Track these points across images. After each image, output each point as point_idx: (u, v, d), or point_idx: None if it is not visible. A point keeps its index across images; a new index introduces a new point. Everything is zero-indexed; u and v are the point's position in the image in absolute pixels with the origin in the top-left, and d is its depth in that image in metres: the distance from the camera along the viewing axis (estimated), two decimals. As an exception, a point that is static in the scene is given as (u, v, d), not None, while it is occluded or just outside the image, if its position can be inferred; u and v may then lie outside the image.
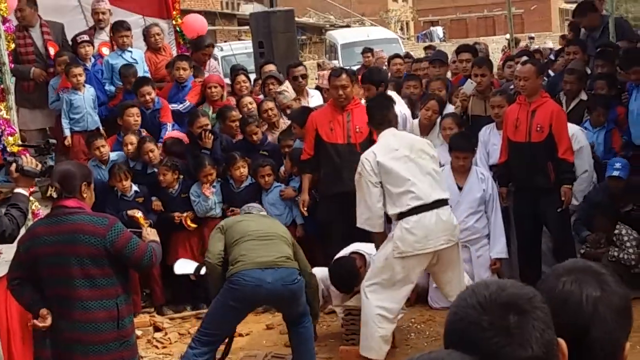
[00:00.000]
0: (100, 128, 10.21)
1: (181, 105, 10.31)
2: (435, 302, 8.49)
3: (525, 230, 8.56)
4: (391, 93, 9.50)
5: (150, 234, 5.59)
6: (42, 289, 5.22)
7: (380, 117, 7.26)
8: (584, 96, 9.60)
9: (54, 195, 5.19)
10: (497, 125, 8.93)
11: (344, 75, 8.75)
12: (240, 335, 7.98)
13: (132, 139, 9.34)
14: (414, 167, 6.93)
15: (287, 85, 10.45)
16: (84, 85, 10.19)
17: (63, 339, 5.15)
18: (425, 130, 9.27)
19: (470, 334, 1.82)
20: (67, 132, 10.20)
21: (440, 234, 6.88)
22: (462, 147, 8.51)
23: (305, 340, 6.73)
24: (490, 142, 8.99)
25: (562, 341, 1.90)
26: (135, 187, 8.94)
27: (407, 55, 15.95)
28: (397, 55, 14.04)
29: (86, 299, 5.11)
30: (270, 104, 10.09)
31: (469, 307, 1.85)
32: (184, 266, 7.59)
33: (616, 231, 8.33)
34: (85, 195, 5.28)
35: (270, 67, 11.53)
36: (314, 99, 10.73)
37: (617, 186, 8.57)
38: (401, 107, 9.09)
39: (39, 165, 5.59)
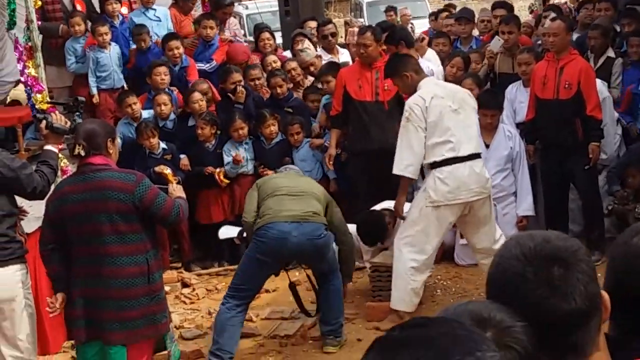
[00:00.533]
0: (125, 86, 10.23)
1: (207, 65, 10.30)
2: (462, 259, 8.51)
3: (553, 188, 8.53)
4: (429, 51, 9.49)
5: (177, 190, 5.62)
6: (71, 249, 5.26)
7: (396, 66, 7.24)
8: (611, 53, 9.49)
9: (82, 153, 5.21)
10: (523, 83, 8.88)
11: (368, 34, 8.72)
12: (267, 291, 8.04)
13: (165, 99, 9.32)
14: (455, 118, 6.93)
15: (308, 44, 10.38)
16: (109, 44, 10.19)
17: (95, 296, 5.20)
18: None
19: (514, 285, 1.82)
20: (94, 90, 10.23)
21: (473, 186, 6.91)
22: (490, 104, 8.47)
23: (331, 297, 6.73)
24: (517, 99, 8.95)
25: (605, 295, 1.89)
26: (163, 145, 8.95)
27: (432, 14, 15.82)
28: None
29: (117, 254, 5.15)
30: (294, 64, 10.06)
31: (513, 258, 1.85)
32: (228, 232, 7.63)
33: None
34: (111, 152, 5.32)
35: (312, 24, 11.39)
36: (343, 57, 10.69)
37: None
38: (429, 64, 9.07)
39: (68, 123, 5.63)
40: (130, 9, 11.06)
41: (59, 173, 6.53)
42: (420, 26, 16.63)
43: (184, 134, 9.29)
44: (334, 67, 9.43)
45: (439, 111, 6.89)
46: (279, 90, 9.46)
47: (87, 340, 5.27)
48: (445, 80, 9.23)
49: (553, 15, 9.37)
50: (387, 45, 8.96)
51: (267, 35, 10.93)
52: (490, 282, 1.90)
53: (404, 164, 6.98)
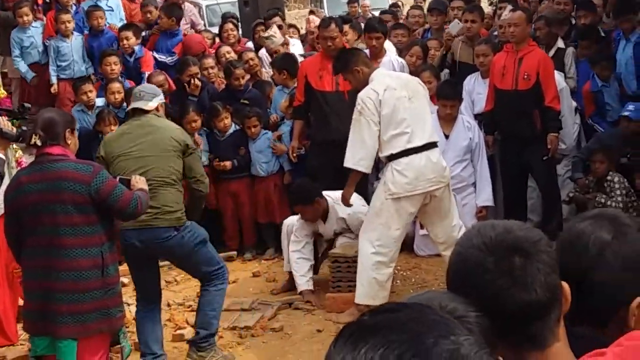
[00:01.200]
0: (92, 76, 10.20)
1: (169, 58, 10.24)
2: (421, 249, 8.54)
3: (511, 179, 8.59)
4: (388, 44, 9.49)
5: (139, 182, 5.54)
6: (26, 241, 5.19)
7: (346, 61, 7.22)
8: (561, 44, 9.53)
9: (38, 143, 5.12)
10: (481, 74, 8.91)
11: (332, 26, 8.72)
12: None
13: (118, 86, 9.27)
14: (410, 108, 6.92)
15: (274, 30, 10.35)
16: (72, 33, 10.12)
17: (47, 288, 5.12)
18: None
19: (474, 275, 1.81)
20: (54, 79, 10.17)
21: (430, 175, 6.92)
22: (449, 95, 8.49)
23: (204, 303, 6.37)
24: (475, 90, 8.98)
25: (565, 285, 1.89)
26: None
27: (394, 5, 15.85)
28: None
29: (70, 246, 5.08)
30: (251, 54, 10.04)
31: (474, 247, 1.84)
32: None
33: (609, 177, 8.32)
34: (69, 142, 5.23)
35: (277, 20, 11.39)
36: (295, 48, 10.68)
37: (627, 127, 8.53)
38: (393, 55, 9.12)
39: (14, 129, 5.52)
40: None
41: (14, 164, 6.46)
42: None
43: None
44: (288, 59, 9.43)
45: (392, 103, 6.87)
46: (240, 81, 9.41)
47: (35, 333, 5.19)
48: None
49: (509, 7, 9.37)
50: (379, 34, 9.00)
51: (230, 25, 10.91)
52: (450, 272, 1.89)
53: (356, 158, 6.93)
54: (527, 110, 8.23)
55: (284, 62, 9.42)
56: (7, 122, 5.55)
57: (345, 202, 7.27)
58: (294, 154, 8.87)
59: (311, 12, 12.15)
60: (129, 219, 5.55)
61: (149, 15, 10.63)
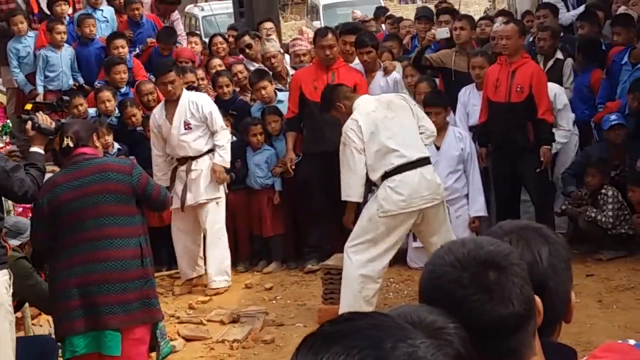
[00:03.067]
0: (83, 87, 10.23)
1: None
2: (414, 261, 8.52)
3: (504, 191, 8.60)
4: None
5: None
6: (64, 240, 5.25)
7: (329, 99, 7.34)
8: (559, 55, 9.54)
9: (71, 144, 5.31)
10: (477, 86, 8.91)
11: (330, 35, 8.77)
12: (219, 293, 8.09)
13: (108, 95, 9.31)
14: (394, 126, 6.93)
15: (274, 37, 10.29)
16: (62, 45, 10.14)
17: (91, 282, 5.18)
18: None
19: (450, 292, 1.80)
20: (40, 90, 10.18)
21: (425, 193, 6.89)
22: (432, 102, 8.43)
23: None
24: (470, 102, 8.96)
25: (538, 299, 1.89)
26: (117, 145, 8.88)
27: (389, 17, 15.85)
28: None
29: (113, 237, 5.21)
30: (240, 67, 10.03)
31: (447, 265, 1.83)
32: None
33: (603, 191, 8.32)
34: (97, 145, 5.49)
35: (267, 25, 11.36)
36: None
37: (618, 135, 8.50)
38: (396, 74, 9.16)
39: (53, 123, 5.61)
40: (74, 9, 11.04)
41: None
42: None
43: (129, 135, 9.27)
44: (265, 73, 9.41)
45: (374, 126, 6.88)
46: (225, 89, 9.40)
47: (85, 330, 5.18)
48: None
49: (502, 18, 9.38)
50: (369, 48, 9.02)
51: (219, 39, 10.94)
52: (424, 291, 1.88)
53: (348, 190, 7.01)
54: (520, 123, 8.25)
55: (263, 75, 9.39)
56: (46, 116, 5.63)
57: (348, 225, 7.24)
58: (292, 166, 8.83)
59: (300, 31, 12.01)
60: (160, 209, 5.93)
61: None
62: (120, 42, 10.10)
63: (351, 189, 6.98)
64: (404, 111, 7.07)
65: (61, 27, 10.16)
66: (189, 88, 9.20)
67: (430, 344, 1.43)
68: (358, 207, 7.32)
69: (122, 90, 9.66)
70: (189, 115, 8.32)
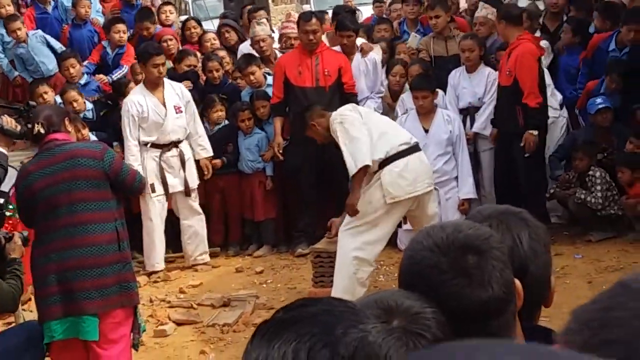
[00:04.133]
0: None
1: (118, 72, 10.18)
2: (404, 244, 8.51)
3: (502, 172, 8.57)
4: (361, 39, 9.46)
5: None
6: (42, 226, 5.27)
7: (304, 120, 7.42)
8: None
9: (42, 130, 5.26)
10: (467, 69, 8.89)
11: (314, 20, 8.72)
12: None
13: (74, 94, 9.14)
14: (382, 118, 7.03)
15: (265, 21, 10.20)
16: (27, 35, 10.09)
17: (68, 268, 5.18)
18: (396, 95, 9.18)
19: (429, 277, 1.79)
20: (14, 74, 10.21)
21: (424, 177, 6.91)
22: (419, 86, 8.41)
23: None
24: (460, 85, 8.94)
25: (517, 281, 1.89)
26: (93, 136, 8.77)
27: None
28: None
29: (87, 222, 5.18)
30: (222, 53, 9.92)
31: (425, 249, 1.83)
32: None
33: (590, 172, 8.34)
34: (69, 130, 5.43)
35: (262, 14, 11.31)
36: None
37: (605, 118, 8.52)
38: (374, 55, 9.11)
39: (19, 127, 5.58)
40: None
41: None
42: (365, 12, 16.59)
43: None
44: (253, 58, 9.34)
45: (365, 116, 6.93)
46: (215, 74, 9.36)
47: (63, 315, 5.19)
48: (390, 90, 9.22)
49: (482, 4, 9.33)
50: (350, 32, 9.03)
51: (193, 23, 10.84)
52: (403, 276, 1.87)
53: (357, 159, 6.69)
54: (509, 106, 8.22)
55: (251, 60, 9.34)
56: (11, 120, 5.61)
57: (352, 208, 6.87)
58: (280, 150, 8.82)
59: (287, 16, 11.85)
60: (135, 193, 5.91)
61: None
62: (122, 27, 10.07)
63: (360, 153, 6.66)
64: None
65: (14, 24, 10.06)
66: (191, 72, 9.21)
67: (381, 329, 1.45)
68: (344, 192, 7.29)
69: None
70: (177, 99, 8.31)
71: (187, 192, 8.41)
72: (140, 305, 7.44)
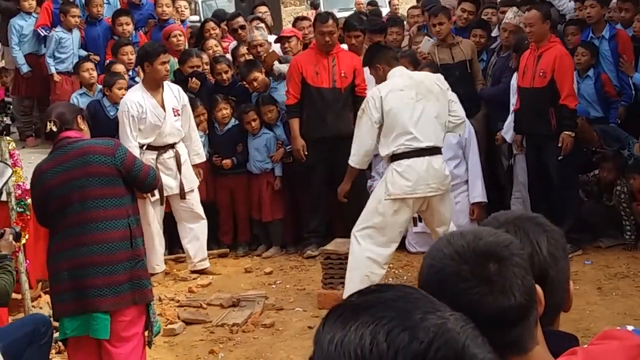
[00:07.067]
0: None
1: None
2: (413, 246, 8.53)
3: (534, 177, 8.42)
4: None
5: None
6: (56, 224, 5.29)
7: (370, 57, 7.30)
8: None
9: (54, 128, 5.28)
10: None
11: (330, 21, 8.71)
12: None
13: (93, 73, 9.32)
14: (417, 110, 6.86)
15: (263, 26, 10.18)
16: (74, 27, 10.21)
17: (80, 265, 5.18)
18: None
19: (450, 285, 1.78)
20: (53, 70, 10.21)
21: (431, 181, 6.88)
22: None
23: None
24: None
25: (538, 287, 1.88)
26: None
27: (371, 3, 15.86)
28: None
29: (99, 219, 5.18)
30: (243, 49, 9.83)
31: (446, 257, 1.81)
32: None
33: (618, 188, 8.26)
34: (82, 128, 5.42)
35: (262, 9, 11.24)
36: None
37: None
38: None
39: None
40: None
41: (7, 156, 6.48)
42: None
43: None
44: (254, 64, 9.26)
45: (395, 104, 6.83)
46: (224, 76, 9.30)
47: (74, 313, 5.21)
48: None
49: (514, 9, 9.26)
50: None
51: (211, 24, 10.73)
52: (424, 285, 1.84)
53: (354, 156, 7.06)
54: (543, 108, 8.09)
55: (253, 66, 9.27)
56: None
57: (341, 197, 7.35)
58: (305, 152, 8.70)
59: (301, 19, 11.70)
60: (149, 189, 5.86)
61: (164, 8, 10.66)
62: (125, 19, 10.10)
63: (354, 155, 7.05)
64: (432, 95, 6.98)
65: (75, 10, 10.19)
66: (195, 73, 9.16)
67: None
68: (360, 189, 7.31)
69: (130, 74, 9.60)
70: (175, 101, 8.23)
71: (182, 194, 8.23)
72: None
